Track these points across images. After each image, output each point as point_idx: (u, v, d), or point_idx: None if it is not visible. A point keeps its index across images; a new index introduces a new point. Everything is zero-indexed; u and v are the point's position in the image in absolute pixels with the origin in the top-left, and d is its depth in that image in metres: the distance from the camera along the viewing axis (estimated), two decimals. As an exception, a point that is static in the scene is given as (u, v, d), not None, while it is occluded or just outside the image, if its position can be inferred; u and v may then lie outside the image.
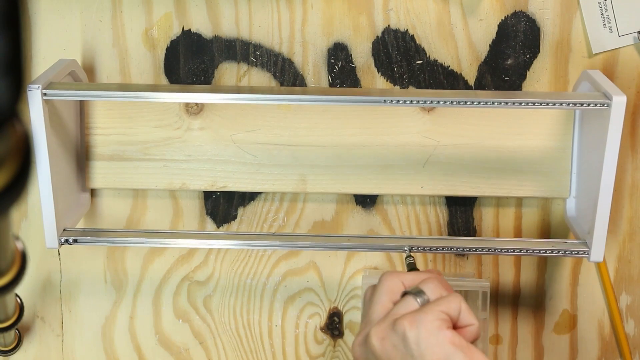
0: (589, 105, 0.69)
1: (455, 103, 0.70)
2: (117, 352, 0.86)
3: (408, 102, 0.70)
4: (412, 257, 0.72)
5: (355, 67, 0.79)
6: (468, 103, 0.70)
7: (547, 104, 0.70)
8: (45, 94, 0.69)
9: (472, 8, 0.77)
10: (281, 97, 0.71)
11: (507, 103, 0.70)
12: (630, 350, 0.84)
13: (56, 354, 0.86)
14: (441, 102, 0.70)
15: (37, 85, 0.68)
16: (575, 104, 0.70)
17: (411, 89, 0.79)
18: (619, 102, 0.68)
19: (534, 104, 0.70)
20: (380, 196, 0.82)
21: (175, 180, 0.80)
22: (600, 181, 0.70)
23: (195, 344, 0.86)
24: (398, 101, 0.70)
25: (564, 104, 0.70)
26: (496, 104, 0.70)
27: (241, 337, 0.85)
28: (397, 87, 0.79)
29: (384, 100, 0.70)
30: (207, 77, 0.79)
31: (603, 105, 0.69)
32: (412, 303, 0.61)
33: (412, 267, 0.71)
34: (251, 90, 0.78)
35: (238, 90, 0.77)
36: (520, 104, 0.70)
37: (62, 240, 0.73)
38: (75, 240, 0.74)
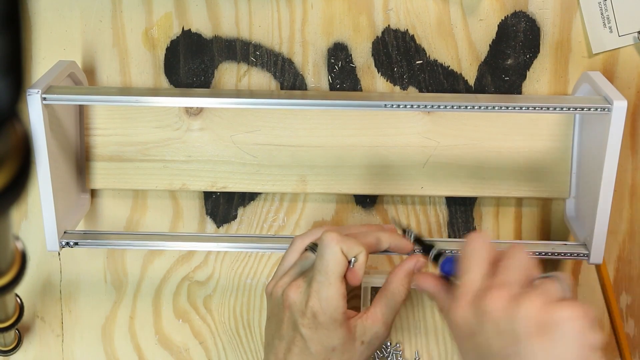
0: (589, 109, 0.69)
1: (456, 108, 0.70)
2: (117, 352, 0.86)
3: (409, 106, 0.70)
4: (412, 230, 0.70)
5: (355, 67, 0.79)
6: (469, 108, 0.70)
7: (548, 109, 0.70)
8: (44, 99, 0.69)
9: (472, 8, 0.77)
10: (282, 102, 0.71)
11: (508, 108, 0.70)
12: (630, 350, 0.84)
13: (56, 354, 0.86)
14: (442, 107, 0.70)
15: (36, 90, 0.68)
16: (575, 109, 0.70)
17: (411, 89, 0.79)
18: (620, 107, 0.68)
19: (534, 108, 0.70)
20: (380, 196, 0.82)
21: (175, 181, 0.80)
22: (600, 183, 0.70)
23: (195, 344, 0.86)
24: (399, 106, 0.70)
25: (564, 109, 0.70)
26: (497, 108, 0.70)
27: (241, 337, 0.85)
28: (397, 88, 0.79)
29: (385, 105, 0.70)
30: (207, 77, 0.79)
31: (604, 109, 0.69)
32: (556, 288, 0.56)
33: (417, 238, 0.69)
34: (251, 94, 0.78)
35: (238, 94, 0.77)
36: (522, 108, 0.70)
37: (63, 243, 0.74)
38: (75, 243, 0.74)
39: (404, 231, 0.70)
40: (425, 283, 0.64)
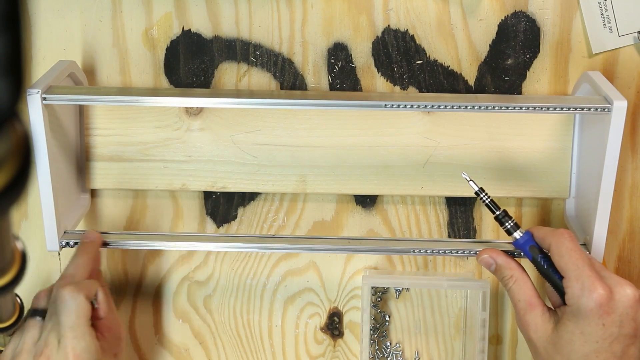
0: (589, 109, 0.69)
1: (456, 108, 0.70)
2: (117, 352, 0.86)
3: (409, 106, 0.70)
4: (487, 193, 0.71)
5: (355, 67, 0.79)
6: (469, 108, 0.70)
7: (548, 109, 0.70)
8: (44, 99, 0.69)
9: (472, 8, 0.77)
10: (282, 102, 0.71)
11: (508, 108, 0.70)
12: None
13: (56, 354, 0.86)
14: (442, 107, 0.70)
15: (36, 90, 0.68)
16: (575, 109, 0.70)
17: (411, 89, 0.79)
18: (620, 107, 0.68)
19: (534, 108, 0.70)
20: (380, 196, 0.82)
21: (175, 181, 0.80)
22: (600, 183, 0.70)
23: (195, 344, 0.86)
24: (399, 106, 0.70)
25: (564, 109, 0.70)
26: (497, 108, 0.70)
27: (241, 337, 0.85)
28: (397, 88, 0.79)
29: (385, 105, 0.70)
30: (207, 77, 0.79)
31: (604, 110, 0.69)
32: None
33: (491, 201, 0.70)
34: (251, 94, 0.78)
35: (238, 94, 0.77)
36: (522, 108, 0.70)
37: (63, 242, 0.74)
38: (76, 243, 0.74)
39: (476, 193, 0.70)
40: (550, 293, 0.69)
